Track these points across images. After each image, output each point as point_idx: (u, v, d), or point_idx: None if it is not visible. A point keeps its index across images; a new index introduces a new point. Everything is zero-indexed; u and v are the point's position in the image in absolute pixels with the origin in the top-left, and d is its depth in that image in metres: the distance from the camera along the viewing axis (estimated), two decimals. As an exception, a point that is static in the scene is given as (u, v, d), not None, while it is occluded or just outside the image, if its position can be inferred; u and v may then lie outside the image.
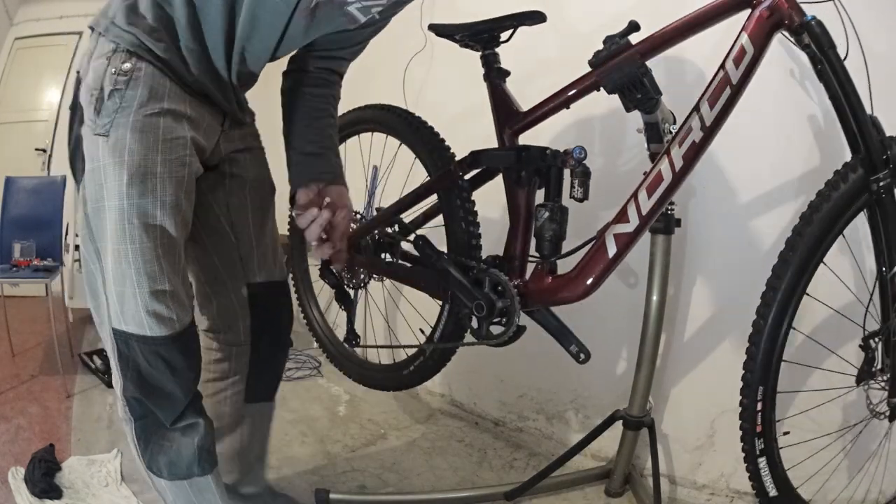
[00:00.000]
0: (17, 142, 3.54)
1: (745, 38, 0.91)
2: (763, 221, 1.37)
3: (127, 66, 0.81)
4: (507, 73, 1.24)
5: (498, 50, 1.24)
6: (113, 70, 0.81)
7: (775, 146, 1.34)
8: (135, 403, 0.91)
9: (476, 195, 1.24)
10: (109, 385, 1.96)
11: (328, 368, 2.08)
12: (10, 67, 3.58)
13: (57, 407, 1.89)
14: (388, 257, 1.36)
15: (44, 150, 3.50)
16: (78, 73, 0.88)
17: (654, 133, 1.17)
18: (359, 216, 1.47)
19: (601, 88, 1.03)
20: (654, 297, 1.32)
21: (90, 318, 3.00)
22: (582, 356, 1.05)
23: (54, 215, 2.49)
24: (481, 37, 1.22)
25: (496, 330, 1.11)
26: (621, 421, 1.36)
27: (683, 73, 1.41)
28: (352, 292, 1.46)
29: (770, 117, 1.32)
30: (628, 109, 1.02)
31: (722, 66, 0.93)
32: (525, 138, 1.20)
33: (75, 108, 0.88)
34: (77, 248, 3.07)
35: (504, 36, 1.23)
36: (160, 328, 0.86)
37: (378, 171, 2.03)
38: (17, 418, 1.78)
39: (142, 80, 0.82)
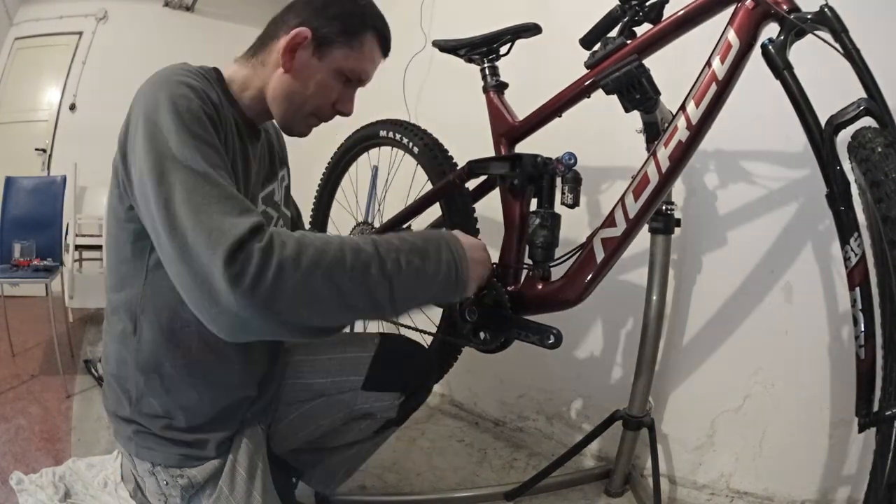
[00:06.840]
0: (17, 142, 3.53)
1: (730, 33, 0.88)
2: (763, 221, 1.37)
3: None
4: (506, 86, 1.25)
5: (498, 63, 1.25)
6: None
7: (775, 146, 1.34)
8: None
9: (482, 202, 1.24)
10: (109, 393, 1.96)
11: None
12: (10, 67, 3.57)
13: (57, 407, 1.89)
14: None
15: (44, 150, 3.49)
16: None
17: (653, 133, 1.17)
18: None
19: (597, 91, 1.02)
20: (654, 297, 1.33)
21: (90, 318, 3.00)
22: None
23: (54, 215, 2.49)
24: (480, 50, 1.24)
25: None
26: (621, 421, 1.36)
27: (683, 73, 1.40)
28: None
29: (770, 116, 1.31)
30: (627, 110, 1.01)
31: (708, 62, 0.91)
32: (522, 146, 1.19)
33: None
34: (77, 248, 3.09)
35: (503, 50, 1.24)
36: None
37: (378, 170, 2.03)
38: (17, 418, 1.78)
39: None
